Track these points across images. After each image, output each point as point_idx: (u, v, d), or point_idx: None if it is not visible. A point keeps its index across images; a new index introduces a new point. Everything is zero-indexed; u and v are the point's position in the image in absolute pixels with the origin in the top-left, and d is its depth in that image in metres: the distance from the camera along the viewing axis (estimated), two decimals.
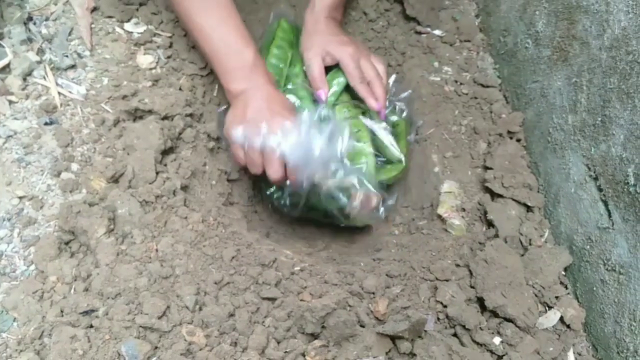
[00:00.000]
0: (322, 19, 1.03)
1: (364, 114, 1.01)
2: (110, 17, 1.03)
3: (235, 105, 0.93)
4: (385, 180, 0.99)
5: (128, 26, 1.03)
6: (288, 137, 0.88)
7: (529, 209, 0.92)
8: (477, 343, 0.79)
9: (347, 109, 1.01)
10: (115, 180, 0.85)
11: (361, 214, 0.94)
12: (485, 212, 0.91)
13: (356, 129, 0.98)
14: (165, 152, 0.90)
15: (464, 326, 0.79)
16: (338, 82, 1.02)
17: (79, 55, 0.98)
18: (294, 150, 0.88)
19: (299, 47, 1.05)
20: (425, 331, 0.76)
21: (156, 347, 0.72)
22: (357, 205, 0.93)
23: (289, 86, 1.03)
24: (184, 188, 0.89)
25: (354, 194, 0.93)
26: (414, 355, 0.74)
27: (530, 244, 0.88)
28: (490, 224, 0.91)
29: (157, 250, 0.80)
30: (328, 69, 1.01)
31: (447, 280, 0.85)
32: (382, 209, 0.96)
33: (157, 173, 0.86)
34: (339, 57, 0.99)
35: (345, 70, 0.99)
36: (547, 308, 0.84)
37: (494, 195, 0.93)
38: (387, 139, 0.99)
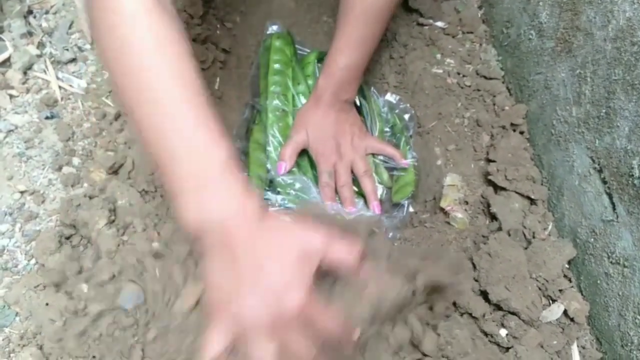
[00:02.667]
0: (322, 103, 0.93)
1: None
2: None
3: (212, 263, 0.56)
4: (405, 199, 0.97)
5: None
6: None
7: (532, 201, 0.92)
8: (485, 333, 0.79)
9: None
10: (114, 171, 0.85)
11: None
12: (489, 205, 0.90)
13: None
14: None
15: (471, 314, 0.79)
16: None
17: (80, 49, 0.98)
18: None
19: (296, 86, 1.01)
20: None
21: None
22: None
23: (299, 105, 1.00)
24: None
25: None
26: (439, 334, 0.74)
27: (533, 237, 0.87)
28: (493, 217, 0.90)
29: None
30: None
31: None
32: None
33: None
34: (314, 159, 0.94)
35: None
36: (550, 301, 0.84)
37: (497, 188, 0.93)
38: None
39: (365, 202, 0.94)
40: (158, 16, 0.56)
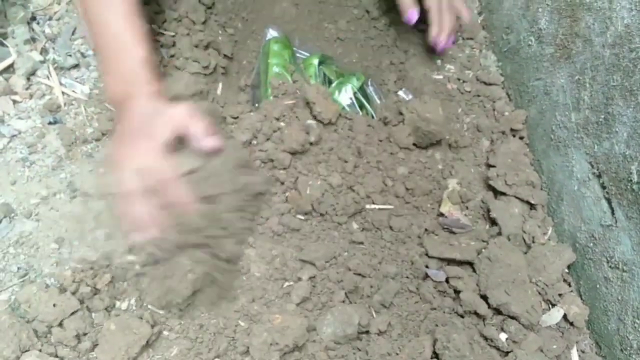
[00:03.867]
0: None
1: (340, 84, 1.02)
2: None
3: (117, 129, 0.80)
4: None
5: None
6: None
7: (532, 206, 0.92)
8: (485, 337, 0.79)
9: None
10: None
11: None
12: (489, 210, 0.91)
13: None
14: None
15: (476, 312, 0.80)
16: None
17: (83, 55, 0.98)
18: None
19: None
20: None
21: None
22: None
23: None
24: None
25: None
26: (436, 340, 0.76)
27: (533, 242, 0.88)
28: (493, 222, 0.91)
29: None
30: None
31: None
32: None
33: None
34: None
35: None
36: (550, 306, 0.84)
37: (497, 193, 0.93)
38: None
39: None
40: None
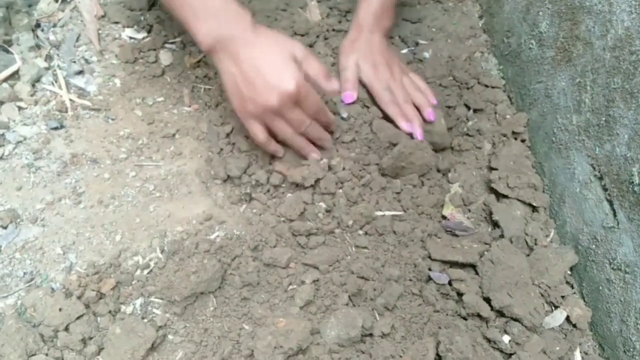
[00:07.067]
0: (365, 30, 0.99)
1: None
2: (116, 22, 1.04)
3: (223, 70, 0.79)
4: None
5: (134, 32, 1.04)
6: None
7: (534, 209, 0.93)
8: (488, 339, 0.80)
9: None
10: None
11: None
12: (491, 213, 0.91)
13: None
14: None
15: (479, 315, 0.80)
16: None
17: (87, 61, 0.99)
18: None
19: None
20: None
21: None
22: None
23: None
24: None
25: None
26: (439, 342, 0.76)
27: (535, 244, 0.88)
28: (495, 225, 0.91)
29: None
30: None
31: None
32: None
33: None
34: (367, 80, 0.96)
35: (373, 94, 0.96)
36: (553, 307, 0.84)
37: (499, 195, 0.94)
38: None
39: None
40: None
